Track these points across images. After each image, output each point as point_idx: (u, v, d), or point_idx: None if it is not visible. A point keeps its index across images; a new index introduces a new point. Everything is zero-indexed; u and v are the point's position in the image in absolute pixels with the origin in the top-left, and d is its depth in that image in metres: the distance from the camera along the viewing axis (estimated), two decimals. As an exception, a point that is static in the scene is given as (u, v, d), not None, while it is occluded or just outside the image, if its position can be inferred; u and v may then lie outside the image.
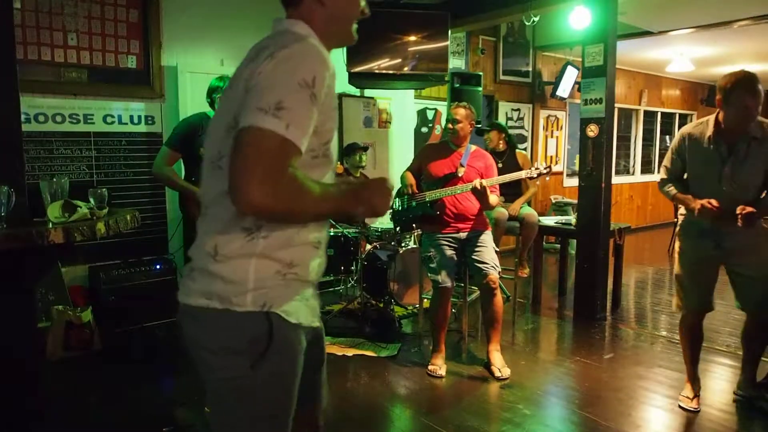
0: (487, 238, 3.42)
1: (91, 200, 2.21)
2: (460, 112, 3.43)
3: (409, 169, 3.64)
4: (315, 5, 1.25)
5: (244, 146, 1.05)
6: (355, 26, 1.32)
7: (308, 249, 1.27)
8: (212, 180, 1.22)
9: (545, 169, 3.42)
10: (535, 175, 3.44)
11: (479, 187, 3.19)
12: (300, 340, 1.27)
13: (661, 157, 9.97)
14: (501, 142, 5.10)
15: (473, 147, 3.51)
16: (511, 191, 4.81)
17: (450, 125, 3.45)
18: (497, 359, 3.39)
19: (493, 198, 3.29)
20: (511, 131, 5.42)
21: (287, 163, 1.07)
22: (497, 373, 3.31)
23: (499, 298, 3.37)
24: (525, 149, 7.19)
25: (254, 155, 1.04)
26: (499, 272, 3.39)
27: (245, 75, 1.13)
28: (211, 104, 3.28)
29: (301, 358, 1.29)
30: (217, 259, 1.19)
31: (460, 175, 3.38)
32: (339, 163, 4.38)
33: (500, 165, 5.00)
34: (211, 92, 3.25)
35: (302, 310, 1.28)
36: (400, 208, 3.64)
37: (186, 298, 1.27)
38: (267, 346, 1.19)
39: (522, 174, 3.51)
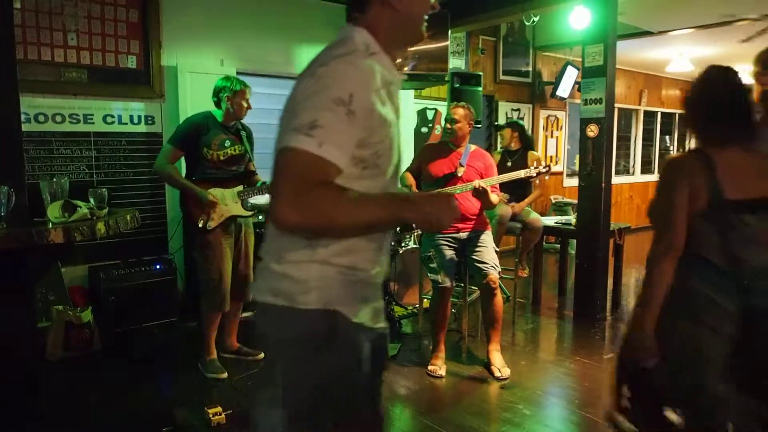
0: (487, 238, 3.42)
1: (91, 200, 2.21)
2: (459, 112, 3.43)
3: (408, 169, 3.64)
4: (383, 9, 1.24)
5: (279, 167, 1.09)
6: (425, 24, 1.30)
7: (369, 253, 1.29)
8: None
9: (544, 168, 3.43)
10: (534, 174, 3.44)
11: (479, 188, 3.20)
12: (362, 340, 1.28)
13: (661, 157, 9.99)
14: (514, 140, 5.12)
15: (473, 147, 3.51)
16: (518, 191, 4.82)
17: (449, 125, 3.46)
18: (497, 359, 3.39)
19: (494, 197, 3.29)
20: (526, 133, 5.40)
21: (319, 180, 1.09)
22: (497, 373, 3.31)
23: (499, 298, 3.37)
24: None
25: (286, 176, 1.08)
26: (499, 272, 3.39)
27: (294, 90, 1.17)
28: (217, 104, 3.29)
29: (366, 358, 1.29)
30: (282, 261, 1.23)
31: (459, 175, 3.39)
32: None
33: (509, 164, 4.99)
34: (218, 92, 3.26)
35: (364, 310, 1.29)
36: None
37: (257, 295, 1.30)
38: (330, 342, 1.22)
39: (521, 173, 3.50)
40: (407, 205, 1.18)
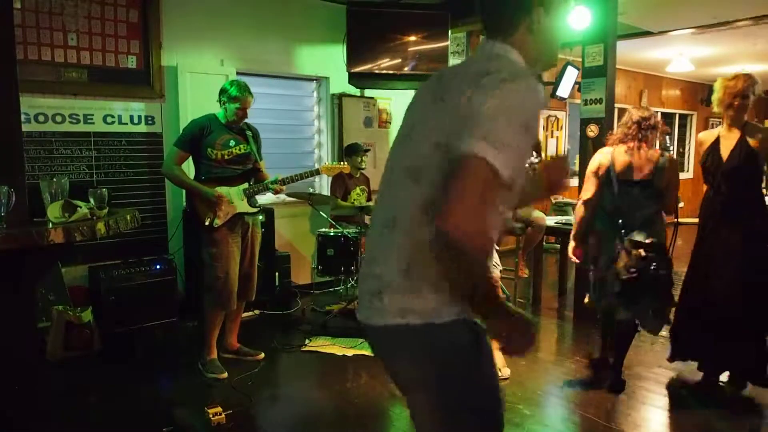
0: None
1: (91, 200, 2.21)
2: None
3: None
4: (527, 35, 1.28)
5: (465, 174, 1.08)
6: (557, 51, 1.38)
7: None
8: (405, 192, 1.23)
9: (536, 158, 3.38)
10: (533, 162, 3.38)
11: None
12: (488, 341, 1.31)
13: (661, 156, 9.97)
14: None
15: None
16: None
17: None
18: (498, 359, 3.39)
19: None
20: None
21: (496, 197, 1.12)
22: (498, 373, 3.31)
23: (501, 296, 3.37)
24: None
25: (473, 183, 1.07)
26: (500, 271, 3.39)
27: (459, 94, 1.15)
28: (220, 105, 3.31)
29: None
30: (410, 276, 1.20)
31: None
32: (344, 162, 4.37)
33: None
34: (220, 94, 3.30)
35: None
36: None
37: (380, 320, 1.24)
38: (479, 351, 1.23)
39: None
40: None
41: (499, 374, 3.30)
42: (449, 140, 1.14)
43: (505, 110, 1.11)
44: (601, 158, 3.08)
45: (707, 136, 3.13)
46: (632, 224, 2.93)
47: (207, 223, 3.21)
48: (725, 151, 2.96)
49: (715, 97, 2.99)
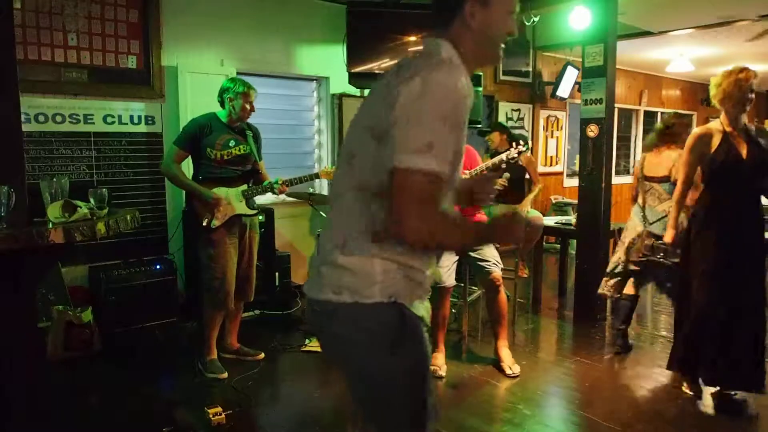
0: (486, 236, 3.41)
1: (91, 200, 2.21)
2: None
3: None
4: (464, 29, 1.31)
5: (402, 187, 1.17)
6: (502, 47, 1.38)
7: (427, 257, 1.34)
8: (344, 174, 1.33)
9: (524, 146, 3.30)
10: (516, 155, 3.28)
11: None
12: (423, 329, 1.35)
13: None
14: (503, 142, 5.07)
15: None
16: (516, 192, 4.79)
17: None
18: (507, 356, 3.40)
19: None
20: (511, 131, 5.39)
21: (437, 193, 1.19)
22: (508, 371, 3.33)
23: (503, 294, 3.39)
24: (526, 150, 7.17)
25: (409, 195, 1.16)
26: (501, 269, 3.40)
27: (386, 86, 1.24)
28: (222, 104, 3.30)
29: (430, 350, 1.38)
30: (345, 252, 1.26)
31: None
32: None
33: (504, 166, 4.97)
34: (222, 93, 3.28)
35: (421, 308, 1.35)
36: None
37: (316, 293, 1.31)
38: (402, 334, 1.27)
39: (503, 157, 3.29)
40: (499, 233, 1.32)
41: (510, 372, 3.32)
42: (375, 123, 1.23)
43: (425, 110, 1.17)
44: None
45: (711, 132, 2.87)
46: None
47: (204, 224, 3.21)
48: (742, 149, 2.80)
49: (723, 91, 2.79)
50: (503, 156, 3.30)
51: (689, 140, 2.97)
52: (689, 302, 2.99)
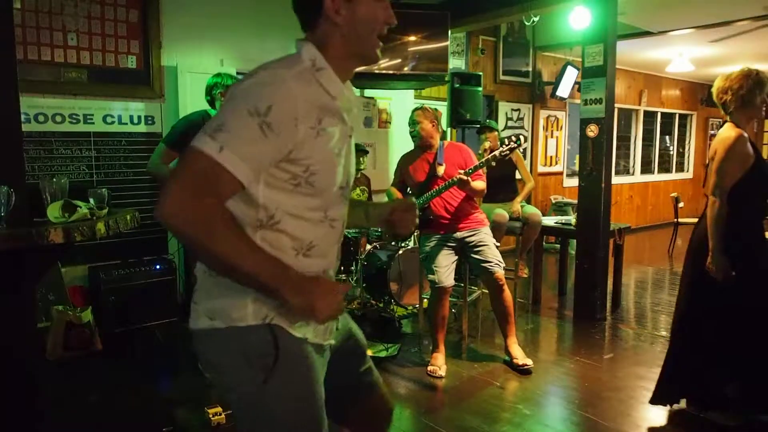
0: (486, 235, 3.42)
1: (91, 200, 2.21)
2: (417, 113, 3.44)
3: (393, 184, 3.66)
4: (330, 28, 1.22)
5: (180, 163, 1.09)
6: (380, 44, 1.27)
7: (312, 271, 1.23)
8: None
9: (515, 140, 3.29)
10: (508, 152, 3.28)
11: (464, 178, 3.18)
12: (308, 353, 1.24)
13: (661, 157, 9.99)
14: (495, 141, 5.08)
15: (445, 142, 3.50)
16: (507, 189, 4.78)
17: (411, 129, 3.46)
18: (518, 352, 3.42)
19: (479, 183, 3.29)
20: (511, 131, 5.39)
21: (212, 187, 1.06)
22: (521, 364, 3.36)
23: (507, 292, 3.39)
24: (526, 150, 7.18)
25: (181, 171, 1.06)
26: (503, 268, 3.40)
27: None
28: (211, 102, 3.28)
29: (317, 372, 1.25)
30: (211, 274, 1.19)
31: (440, 174, 3.36)
32: None
33: (494, 163, 4.99)
34: (210, 89, 3.25)
35: (307, 327, 1.24)
36: None
37: (194, 323, 1.24)
38: (275, 358, 1.17)
39: (495, 154, 3.28)
40: (285, 281, 1.11)
41: (522, 364, 3.33)
42: None
43: (233, 99, 1.11)
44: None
45: (738, 134, 2.53)
46: None
47: None
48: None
49: (738, 93, 2.54)
50: (495, 153, 3.28)
51: (731, 141, 2.51)
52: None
